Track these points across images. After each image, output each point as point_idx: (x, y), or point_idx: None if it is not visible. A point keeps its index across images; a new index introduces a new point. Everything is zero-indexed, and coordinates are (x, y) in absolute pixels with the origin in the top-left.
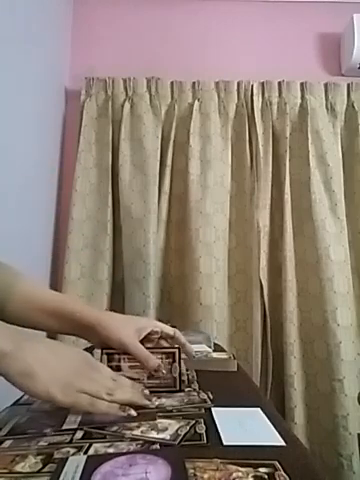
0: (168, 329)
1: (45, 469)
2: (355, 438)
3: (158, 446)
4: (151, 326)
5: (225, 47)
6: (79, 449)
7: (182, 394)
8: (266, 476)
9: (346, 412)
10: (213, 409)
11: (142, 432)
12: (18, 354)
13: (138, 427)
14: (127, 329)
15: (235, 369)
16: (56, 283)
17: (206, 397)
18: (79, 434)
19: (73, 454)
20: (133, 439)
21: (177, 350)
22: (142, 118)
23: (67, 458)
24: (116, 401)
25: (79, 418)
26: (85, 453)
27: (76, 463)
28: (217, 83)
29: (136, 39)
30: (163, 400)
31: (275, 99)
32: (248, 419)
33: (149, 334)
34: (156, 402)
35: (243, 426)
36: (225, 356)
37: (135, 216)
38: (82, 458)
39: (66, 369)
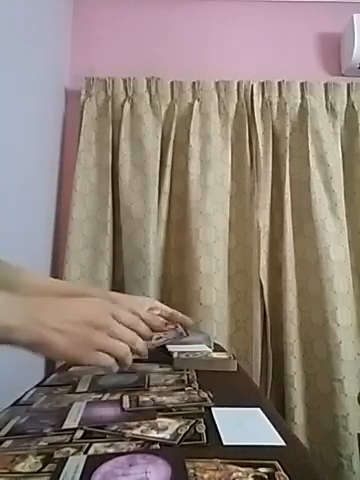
0: (166, 307)
1: (45, 469)
2: (355, 438)
3: (158, 446)
4: (150, 303)
5: (225, 47)
6: (79, 449)
7: (182, 392)
8: (266, 476)
9: (346, 412)
10: (213, 409)
11: (142, 431)
12: (28, 327)
13: (138, 426)
14: (134, 303)
15: (235, 369)
16: None
17: (206, 396)
18: (79, 434)
19: (73, 454)
20: (133, 439)
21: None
22: (142, 118)
23: (67, 458)
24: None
25: (79, 418)
26: (85, 453)
27: (76, 463)
28: (217, 83)
29: (136, 39)
30: (164, 398)
31: (275, 99)
32: (248, 419)
33: (149, 309)
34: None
35: (243, 426)
36: (225, 356)
37: (135, 216)
38: (82, 458)
39: (81, 327)
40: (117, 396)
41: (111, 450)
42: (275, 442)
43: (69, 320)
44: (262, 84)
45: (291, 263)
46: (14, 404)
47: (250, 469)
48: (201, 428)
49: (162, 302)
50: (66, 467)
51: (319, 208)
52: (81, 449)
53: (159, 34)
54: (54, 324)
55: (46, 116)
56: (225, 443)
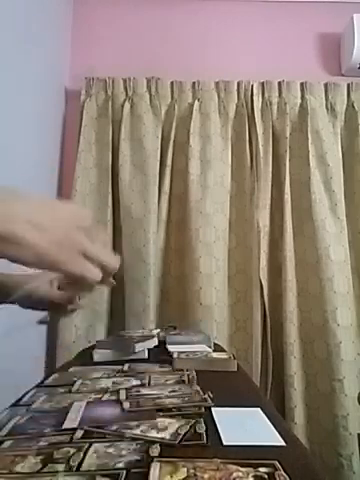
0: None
1: (45, 469)
2: (355, 438)
3: (158, 445)
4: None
5: (225, 47)
6: (79, 449)
7: (182, 392)
8: (266, 476)
9: (346, 412)
10: (213, 409)
11: (142, 431)
12: None
13: (138, 426)
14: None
15: (235, 369)
16: None
17: (206, 396)
18: (79, 433)
19: (73, 454)
20: (133, 438)
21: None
22: (142, 118)
23: None
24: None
25: (79, 417)
26: (85, 453)
27: None
28: (217, 83)
29: (136, 39)
30: (163, 400)
31: (275, 99)
32: (248, 419)
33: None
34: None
35: (243, 426)
36: (225, 356)
37: (135, 216)
38: None
39: (64, 224)
40: (117, 396)
41: (111, 450)
42: (275, 442)
43: (49, 215)
44: (262, 84)
45: (291, 263)
46: (14, 404)
47: (250, 469)
48: (201, 428)
49: (162, 302)
50: None
51: (319, 208)
52: (81, 449)
53: (159, 34)
54: (29, 216)
55: (46, 116)
56: (225, 443)
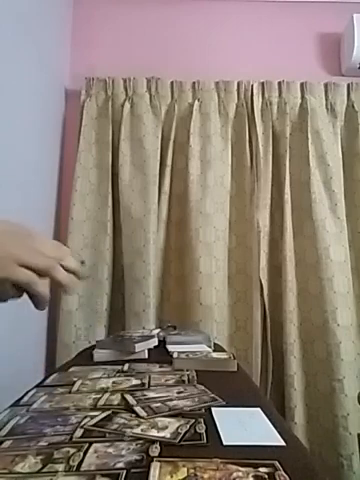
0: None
1: (45, 469)
2: (355, 438)
3: (158, 445)
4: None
5: (225, 47)
6: (79, 449)
7: (190, 393)
8: (266, 476)
9: (346, 412)
10: (213, 409)
11: (142, 430)
12: None
13: (138, 425)
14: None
15: (235, 369)
16: None
17: (214, 395)
18: (79, 432)
19: (73, 454)
20: (133, 438)
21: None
22: (142, 118)
23: None
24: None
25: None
26: (85, 453)
27: None
28: (217, 83)
29: (136, 39)
30: (175, 402)
31: (275, 99)
32: (248, 419)
33: None
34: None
35: (243, 426)
36: (225, 356)
37: (135, 216)
38: None
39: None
40: (117, 396)
41: (111, 450)
42: (275, 442)
43: None
44: (262, 84)
45: (291, 263)
46: (14, 404)
47: (250, 469)
48: (201, 428)
49: (162, 302)
50: None
51: (319, 208)
52: (81, 449)
53: (159, 34)
54: None
55: (46, 116)
56: (225, 443)
